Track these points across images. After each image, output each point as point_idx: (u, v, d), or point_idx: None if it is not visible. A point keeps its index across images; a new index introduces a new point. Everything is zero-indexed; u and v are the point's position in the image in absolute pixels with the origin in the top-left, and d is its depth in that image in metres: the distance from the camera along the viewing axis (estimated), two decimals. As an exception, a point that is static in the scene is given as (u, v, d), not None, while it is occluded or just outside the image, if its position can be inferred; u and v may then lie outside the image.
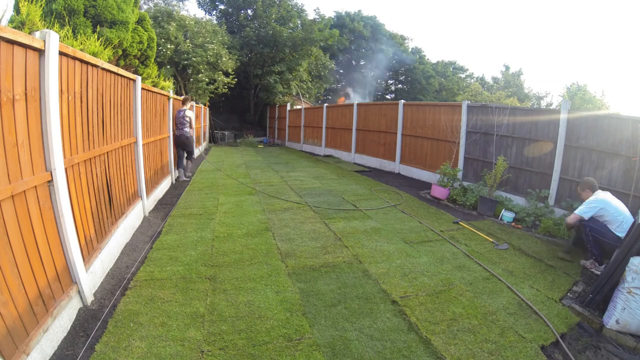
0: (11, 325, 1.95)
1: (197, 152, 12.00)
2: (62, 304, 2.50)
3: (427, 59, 39.21)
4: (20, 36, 2.09)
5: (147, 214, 5.40)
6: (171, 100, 7.70)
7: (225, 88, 17.71)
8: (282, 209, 6.00)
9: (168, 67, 15.44)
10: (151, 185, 5.98)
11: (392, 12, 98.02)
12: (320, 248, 4.32)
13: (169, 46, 15.02)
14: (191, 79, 16.25)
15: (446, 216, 5.98)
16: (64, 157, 2.66)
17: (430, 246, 4.54)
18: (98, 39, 4.01)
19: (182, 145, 8.08)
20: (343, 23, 34.02)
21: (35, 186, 2.30)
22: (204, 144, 16.49)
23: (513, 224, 5.72)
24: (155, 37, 8.62)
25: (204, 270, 3.62)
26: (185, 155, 8.47)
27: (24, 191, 2.16)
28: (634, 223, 3.36)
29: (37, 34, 2.36)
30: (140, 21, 8.00)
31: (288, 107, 19.41)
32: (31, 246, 2.22)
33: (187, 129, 7.95)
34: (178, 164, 8.28)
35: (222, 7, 23.52)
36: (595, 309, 3.15)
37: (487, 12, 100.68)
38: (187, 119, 7.93)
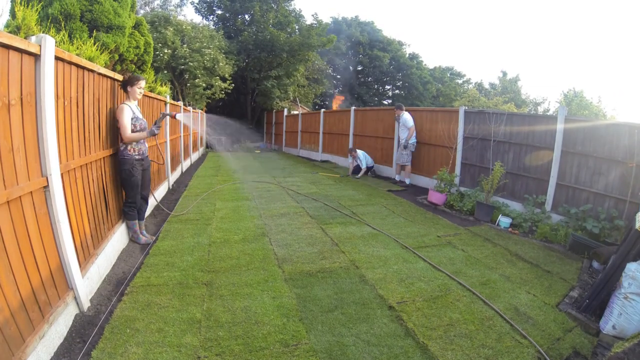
0: (7, 332, 1.92)
1: (194, 156, 13.58)
2: (58, 310, 2.47)
3: (425, 65, 39.33)
4: (16, 41, 2.09)
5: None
6: (168, 105, 7.70)
7: (222, 93, 17.72)
8: (278, 214, 5.98)
9: (165, 72, 15.46)
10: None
11: (390, 18, 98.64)
12: (317, 253, 4.31)
13: (165, 51, 15.05)
14: (188, 84, 16.28)
15: (443, 222, 5.99)
16: (60, 163, 2.65)
17: (427, 251, 4.54)
18: (94, 44, 4.00)
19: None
20: (340, 29, 34.16)
21: (31, 192, 2.28)
22: (201, 149, 16.46)
23: (510, 229, 5.73)
24: (152, 42, 8.61)
25: (200, 275, 3.60)
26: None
27: (20, 197, 2.14)
28: (631, 229, 3.38)
29: (33, 38, 2.35)
30: (137, 26, 7.99)
31: (285, 113, 19.46)
32: (27, 252, 2.20)
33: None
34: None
35: (219, 12, 23.63)
36: (591, 314, 3.16)
37: (484, 18, 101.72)
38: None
